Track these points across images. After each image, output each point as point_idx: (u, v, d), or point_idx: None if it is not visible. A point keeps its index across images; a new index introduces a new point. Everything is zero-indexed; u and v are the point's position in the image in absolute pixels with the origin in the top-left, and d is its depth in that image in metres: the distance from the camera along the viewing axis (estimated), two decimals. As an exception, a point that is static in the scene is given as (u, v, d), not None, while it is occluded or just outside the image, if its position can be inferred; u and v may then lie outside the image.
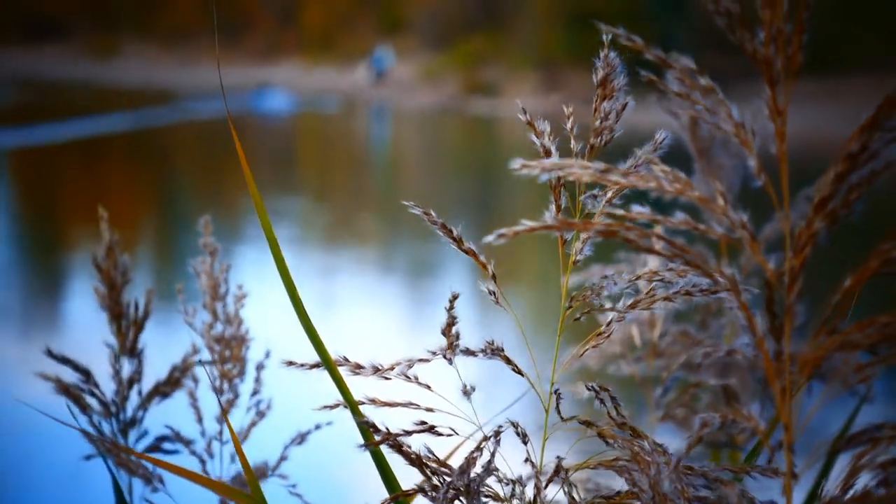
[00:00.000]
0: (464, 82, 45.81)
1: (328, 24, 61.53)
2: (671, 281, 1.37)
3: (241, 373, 2.21)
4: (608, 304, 1.41)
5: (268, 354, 2.15)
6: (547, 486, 1.37)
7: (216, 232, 2.28)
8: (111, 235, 2.29)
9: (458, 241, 1.42)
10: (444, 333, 1.44)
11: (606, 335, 1.40)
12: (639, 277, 1.37)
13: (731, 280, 1.25)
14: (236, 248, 13.09)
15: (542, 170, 1.23)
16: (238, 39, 65.17)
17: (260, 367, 2.19)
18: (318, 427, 2.03)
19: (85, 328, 9.79)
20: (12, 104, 41.94)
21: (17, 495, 6.61)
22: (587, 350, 1.42)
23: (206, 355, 2.22)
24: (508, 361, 1.42)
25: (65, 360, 2.24)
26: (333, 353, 1.44)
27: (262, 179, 22.33)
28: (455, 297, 1.44)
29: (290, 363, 1.45)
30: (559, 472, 1.36)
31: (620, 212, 1.28)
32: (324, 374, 1.45)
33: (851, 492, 1.29)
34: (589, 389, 1.39)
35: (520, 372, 1.43)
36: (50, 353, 2.22)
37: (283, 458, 2.13)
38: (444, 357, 1.44)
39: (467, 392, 1.41)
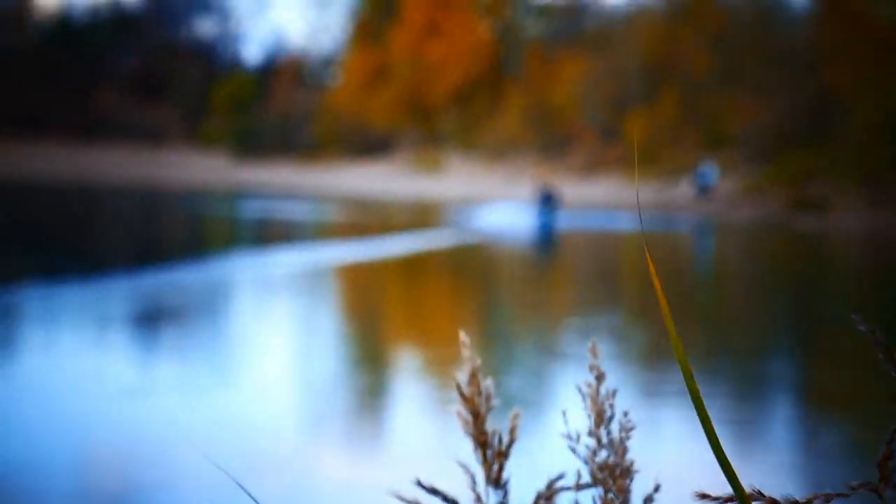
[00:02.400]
0: (789, 197, 45.21)
1: (651, 138, 61.75)
2: None
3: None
4: None
5: (657, 488, 2.03)
6: None
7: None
8: (474, 361, 2.23)
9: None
10: (878, 466, 1.32)
11: None
12: None
13: None
14: (554, 365, 13.02)
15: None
16: (562, 154, 66.17)
17: (649, 500, 2.07)
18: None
19: (412, 450, 9.86)
20: (340, 220, 43.44)
21: None
22: None
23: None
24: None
25: (434, 491, 2.18)
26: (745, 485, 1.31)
27: (577, 296, 22.38)
28: None
29: (704, 496, 1.32)
30: None
31: None
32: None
33: None
34: None
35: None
36: (419, 484, 2.16)
37: None
38: (875, 491, 1.30)
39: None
